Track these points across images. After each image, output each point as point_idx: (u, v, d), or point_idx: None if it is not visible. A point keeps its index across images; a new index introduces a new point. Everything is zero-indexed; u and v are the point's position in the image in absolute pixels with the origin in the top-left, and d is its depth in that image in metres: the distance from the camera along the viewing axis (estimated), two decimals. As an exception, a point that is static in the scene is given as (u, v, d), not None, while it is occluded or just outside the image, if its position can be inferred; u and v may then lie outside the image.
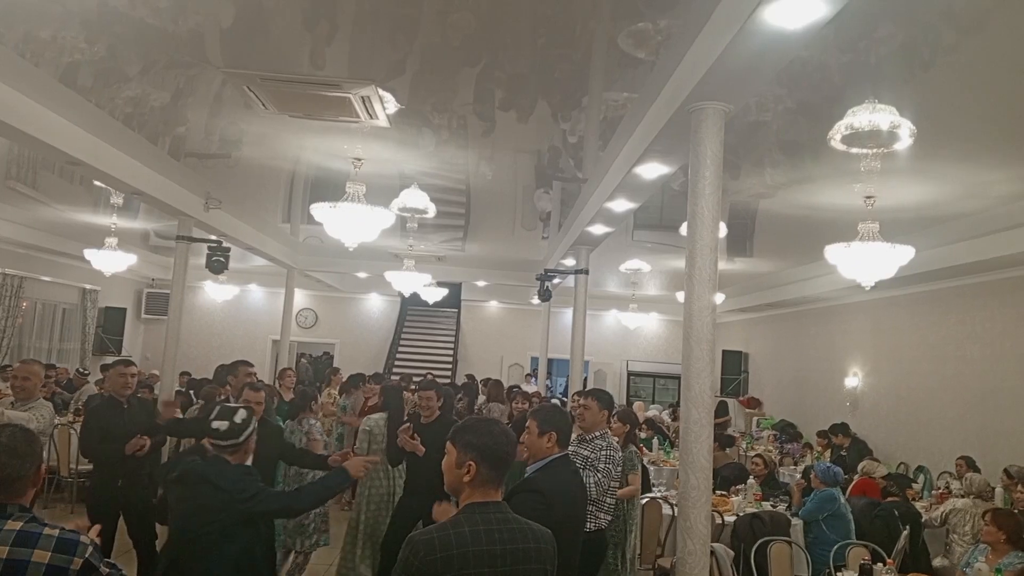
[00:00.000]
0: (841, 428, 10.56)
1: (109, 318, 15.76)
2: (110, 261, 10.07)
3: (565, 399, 12.69)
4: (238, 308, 18.43)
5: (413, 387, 12.03)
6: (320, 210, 6.50)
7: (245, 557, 3.22)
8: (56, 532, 2.25)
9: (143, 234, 13.12)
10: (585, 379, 17.78)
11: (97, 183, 8.02)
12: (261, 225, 11.50)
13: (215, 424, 3.21)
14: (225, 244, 9.82)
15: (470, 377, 14.44)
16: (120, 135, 7.00)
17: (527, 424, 3.41)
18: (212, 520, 3.09)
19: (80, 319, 15.01)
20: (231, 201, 9.68)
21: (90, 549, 2.26)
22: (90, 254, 10.14)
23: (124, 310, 16.25)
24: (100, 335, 15.53)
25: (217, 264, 9.50)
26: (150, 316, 17.29)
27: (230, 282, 16.43)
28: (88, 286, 14.87)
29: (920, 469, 9.93)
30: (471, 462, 2.31)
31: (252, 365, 7.80)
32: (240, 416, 3.27)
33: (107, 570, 2.30)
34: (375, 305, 19.43)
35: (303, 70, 5.61)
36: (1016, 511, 5.67)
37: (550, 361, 15.44)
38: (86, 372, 12.36)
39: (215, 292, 16.98)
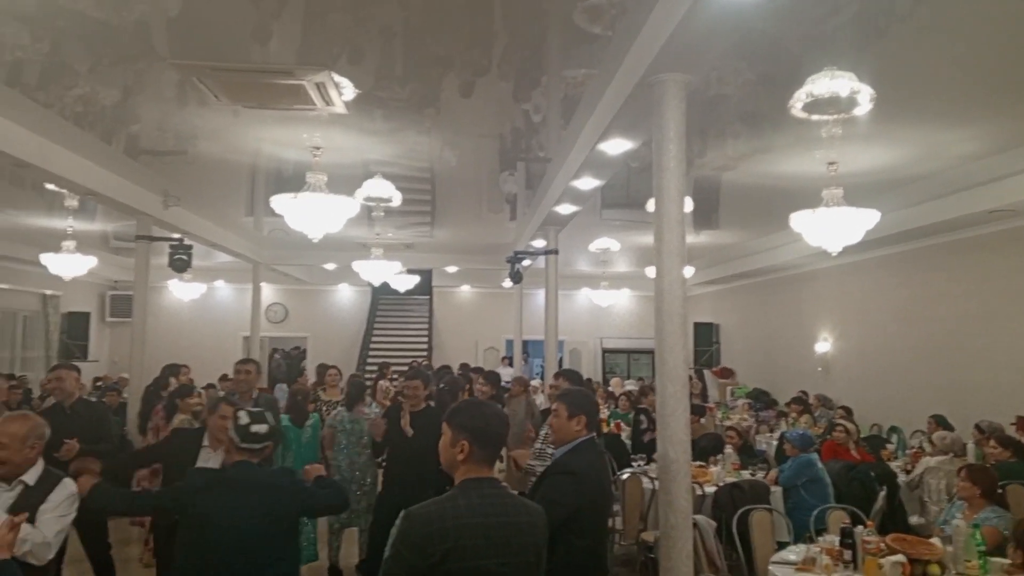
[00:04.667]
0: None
1: (73, 323, 15.44)
2: (69, 265, 9.80)
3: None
4: (206, 306, 18.13)
5: (393, 377, 11.91)
6: (280, 202, 6.37)
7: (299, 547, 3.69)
8: None
9: (102, 236, 12.80)
10: (560, 359, 17.83)
11: (49, 186, 7.79)
12: (223, 220, 11.28)
13: (255, 428, 3.31)
14: (187, 242, 9.62)
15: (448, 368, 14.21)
16: (70, 135, 6.80)
17: (554, 407, 3.39)
18: (282, 519, 3.26)
19: (42, 326, 14.68)
20: (191, 197, 9.46)
21: None
22: (47, 259, 9.87)
23: (88, 314, 15.91)
24: (64, 341, 15.18)
25: (179, 262, 9.33)
26: (115, 319, 16.92)
27: (196, 280, 16.13)
28: (49, 291, 14.53)
29: (893, 429, 10.09)
30: (464, 441, 2.41)
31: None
32: (271, 417, 3.45)
33: None
34: (346, 296, 19.25)
35: (254, 58, 5.45)
36: (989, 465, 5.77)
37: (525, 343, 15.42)
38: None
39: (181, 291, 16.64)
